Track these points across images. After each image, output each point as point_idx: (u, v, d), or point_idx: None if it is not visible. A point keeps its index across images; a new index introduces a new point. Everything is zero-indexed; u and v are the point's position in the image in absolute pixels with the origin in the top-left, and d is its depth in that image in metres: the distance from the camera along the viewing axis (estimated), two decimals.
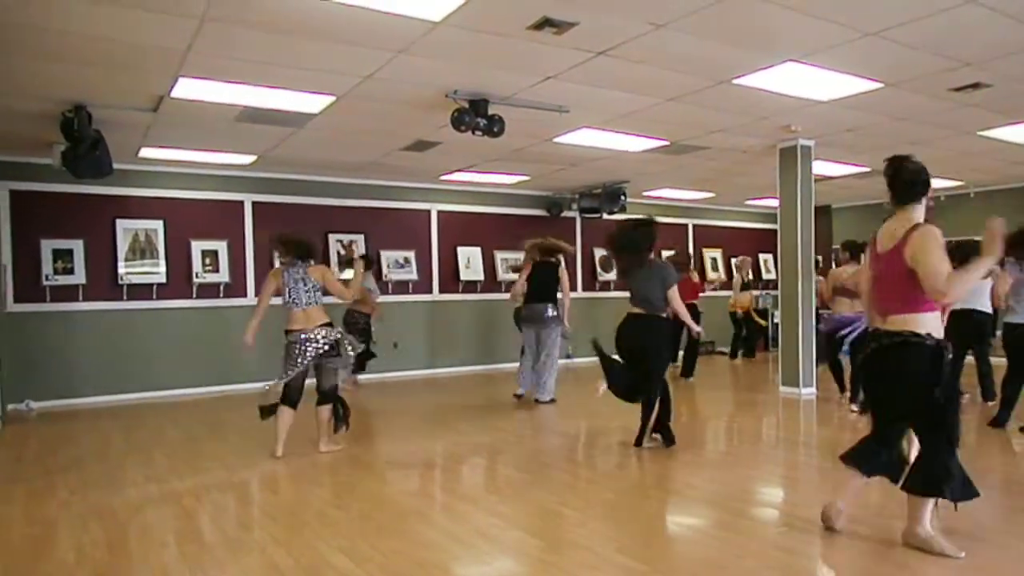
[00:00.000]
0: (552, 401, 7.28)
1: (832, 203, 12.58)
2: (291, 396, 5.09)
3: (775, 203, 8.25)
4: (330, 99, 5.79)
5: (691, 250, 12.62)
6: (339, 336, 5.13)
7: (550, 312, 7.21)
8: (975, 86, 5.61)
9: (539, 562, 3.18)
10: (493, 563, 3.30)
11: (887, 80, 5.48)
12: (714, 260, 12.88)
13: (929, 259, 3.02)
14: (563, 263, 7.48)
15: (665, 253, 9.37)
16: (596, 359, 5.25)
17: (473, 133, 5.86)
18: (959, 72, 5.27)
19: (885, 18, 4.28)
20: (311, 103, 5.89)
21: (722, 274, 12.72)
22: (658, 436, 5.24)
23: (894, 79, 5.46)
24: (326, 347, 5.04)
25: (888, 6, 4.12)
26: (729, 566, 3.07)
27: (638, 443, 5.20)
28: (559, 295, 7.38)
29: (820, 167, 8.49)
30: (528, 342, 7.32)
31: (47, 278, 7.70)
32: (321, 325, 5.07)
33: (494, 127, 5.89)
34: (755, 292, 11.78)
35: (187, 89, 5.40)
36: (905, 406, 3.18)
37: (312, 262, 5.22)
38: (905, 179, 3.25)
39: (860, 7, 4.13)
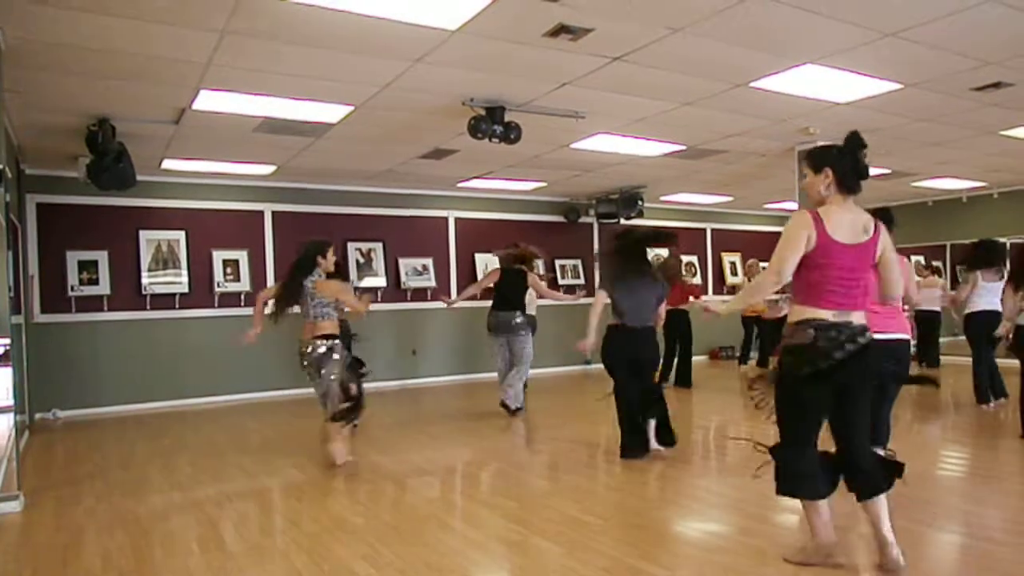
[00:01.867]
0: (519, 410, 7.12)
1: None
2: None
3: (794, 206, 8.19)
4: (348, 109, 5.84)
5: (709, 254, 12.58)
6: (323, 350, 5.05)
7: (518, 319, 7.10)
8: (996, 85, 5.54)
9: (560, 569, 3.17)
10: (514, 570, 3.30)
11: (907, 81, 5.43)
12: (733, 264, 12.81)
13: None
14: (535, 269, 7.37)
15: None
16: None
17: (490, 140, 5.89)
18: (980, 71, 5.21)
19: (904, 18, 4.25)
20: (330, 113, 5.95)
21: (741, 278, 12.66)
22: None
23: (914, 80, 5.41)
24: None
25: (907, 6, 4.09)
26: (751, 573, 3.05)
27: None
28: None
29: None
30: (501, 352, 7.19)
31: (72, 289, 7.83)
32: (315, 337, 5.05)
33: (511, 134, 5.91)
34: (774, 296, 11.64)
35: (208, 101, 5.48)
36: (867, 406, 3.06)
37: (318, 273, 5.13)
38: (866, 167, 3.06)
39: (879, 8, 4.10)
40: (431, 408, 8.11)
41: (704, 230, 12.58)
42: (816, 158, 3.02)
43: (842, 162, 2.98)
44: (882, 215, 4.15)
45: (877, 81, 5.40)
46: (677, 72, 5.14)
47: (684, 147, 7.56)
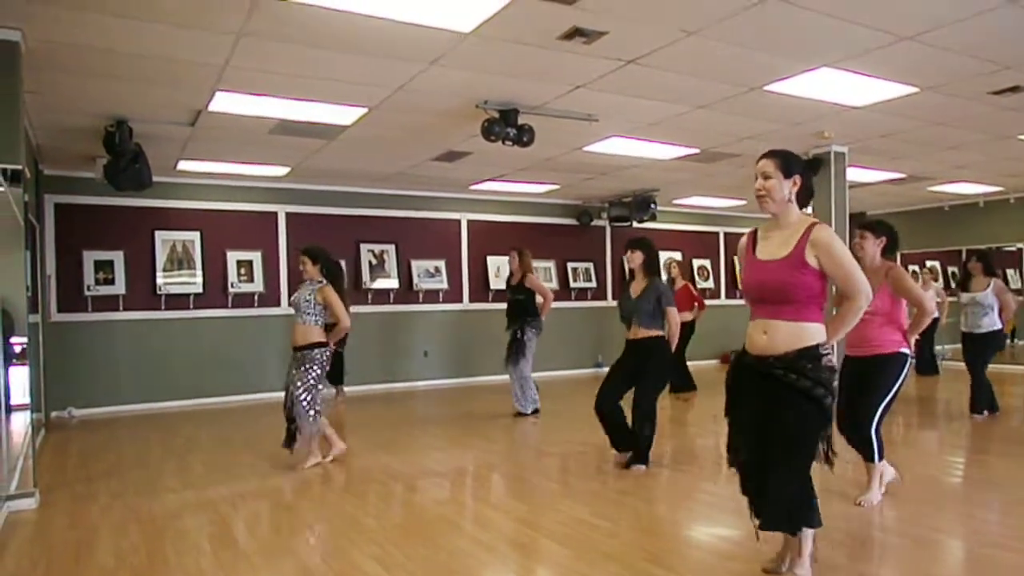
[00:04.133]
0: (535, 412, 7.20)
1: (867, 211, 12.42)
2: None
3: (808, 210, 8.13)
4: (362, 111, 5.87)
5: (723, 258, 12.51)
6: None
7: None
8: (1015, 89, 5.49)
9: (569, 572, 3.16)
10: (524, 573, 3.29)
11: (923, 84, 5.39)
12: None
13: None
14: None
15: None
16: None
17: (503, 143, 5.89)
18: (998, 75, 5.16)
19: (921, 22, 4.22)
20: (344, 115, 5.98)
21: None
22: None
23: (931, 83, 5.37)
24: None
25: (924, 9, 4.06)
26: None
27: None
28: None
29: (854, 174, 8.36)
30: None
31: (88, 288, 7.91)
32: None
33: (524, 137, 5.91)
34: None
35: (224, 103, 5.53)
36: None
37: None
38: (813, 191, 3.02)
39: (896, 11, 4.08)
40: (442, 410, 8.11)
41: (717, 234, 12.53)
42: (788, 163, 2.87)
43: (806, 175, 2.90)
44: (879, 228, 4.14)
45: (893, 84, 5.36)
46: (691, 75, 5.13)
47: (697, 150, 7.54)
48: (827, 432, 2.84)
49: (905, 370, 3.96)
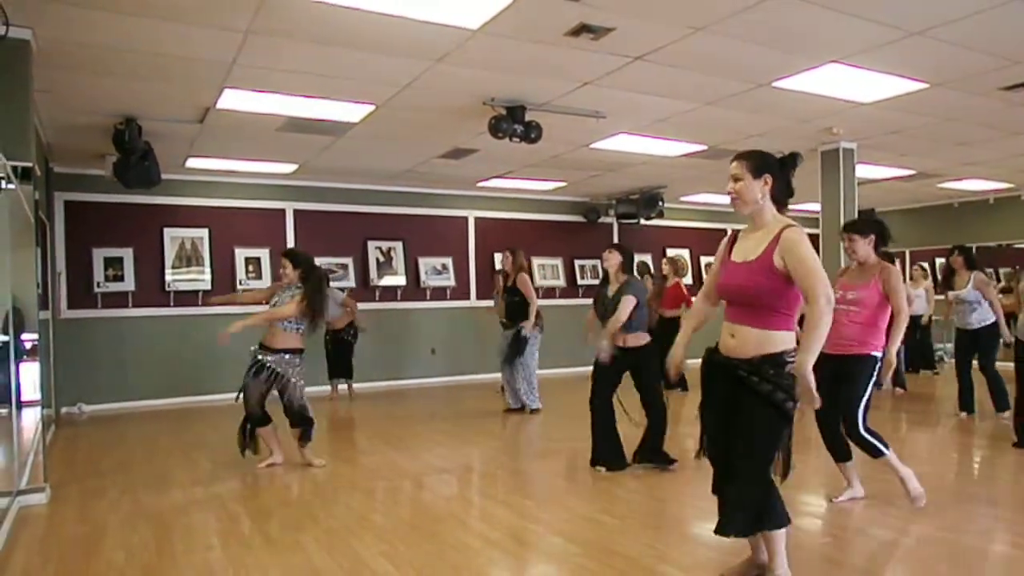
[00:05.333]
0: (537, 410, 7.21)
1: (876, 207, 12.35)
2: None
3: (817, 208, 8.11)
4: (370, 108, 5.88)
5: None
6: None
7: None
8: None
9: (578, 568, 3.16)
10: (531, 569, 3.30)
11: (933, 80, 5.35)
12: None
13: None
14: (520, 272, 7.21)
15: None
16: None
17: (510, 140, 5.89)
18: (1009, 70, 5.13)
19: (930, 17, 4.19)
20: (351, 112, 5.99)
21: None
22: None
23: (940, 79, 5.33)
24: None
25: (933, 5, 4.03)
26: None
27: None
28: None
29: (863, 170, 8.32)
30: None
31: (98, 285, 7.97)
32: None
33: (531, 133, 5.91)
34: None
35: (232, 100, 5.55)
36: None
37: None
38: (793, 189, 2.88)
39: (904, 6, 4.05)
40: (448, 407, 8.12)
41: (725, 231, 12.42)
42: (757, 162, 2.80)
43: (781, 174, 2.82)
44: (865, 227, 4.09)
45: (902, 80, 5.33)
46: (699, 72, 5.11)
47: (705, 147, 7.52)
48: (788, 441, 2.80)
49: (875, 371, 3.91)
